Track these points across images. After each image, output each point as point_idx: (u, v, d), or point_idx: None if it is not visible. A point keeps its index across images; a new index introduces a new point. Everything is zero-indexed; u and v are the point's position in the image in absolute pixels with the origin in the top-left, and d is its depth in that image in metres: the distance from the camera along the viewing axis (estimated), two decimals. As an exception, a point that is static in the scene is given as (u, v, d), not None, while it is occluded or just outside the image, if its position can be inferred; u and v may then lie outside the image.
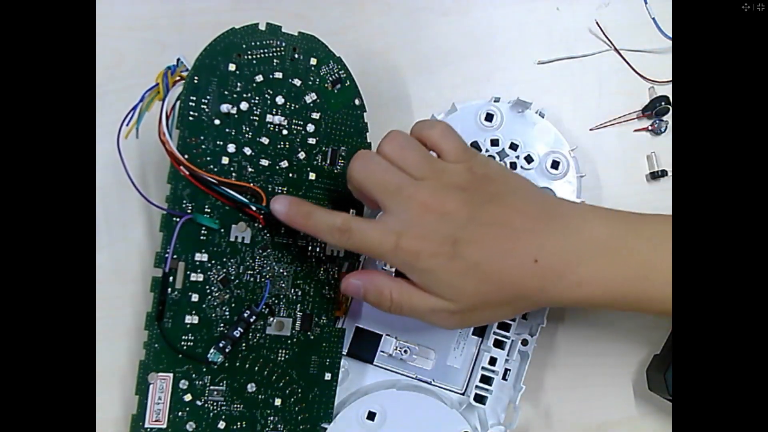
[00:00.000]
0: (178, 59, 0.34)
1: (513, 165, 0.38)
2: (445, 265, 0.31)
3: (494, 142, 0.38)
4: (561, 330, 0.41)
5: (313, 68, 0.36)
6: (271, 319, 0.36)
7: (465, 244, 0.31)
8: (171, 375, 0.34)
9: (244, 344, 0.35)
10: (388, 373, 0.39)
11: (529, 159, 0.38)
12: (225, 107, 0.34)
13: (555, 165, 0.38)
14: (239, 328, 0.35)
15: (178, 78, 0.34)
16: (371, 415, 0.37)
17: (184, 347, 0.34)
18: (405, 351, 0.38)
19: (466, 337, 0.39)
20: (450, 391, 0.39)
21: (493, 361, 0.37)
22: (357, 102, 0.37)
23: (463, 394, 0.39)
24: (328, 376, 0.37)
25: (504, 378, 0.38)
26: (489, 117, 0.38)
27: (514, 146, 0.38)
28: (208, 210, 0.34)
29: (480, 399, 0.37)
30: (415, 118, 0.40)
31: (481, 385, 0.37)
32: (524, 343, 0.38)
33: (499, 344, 0.37)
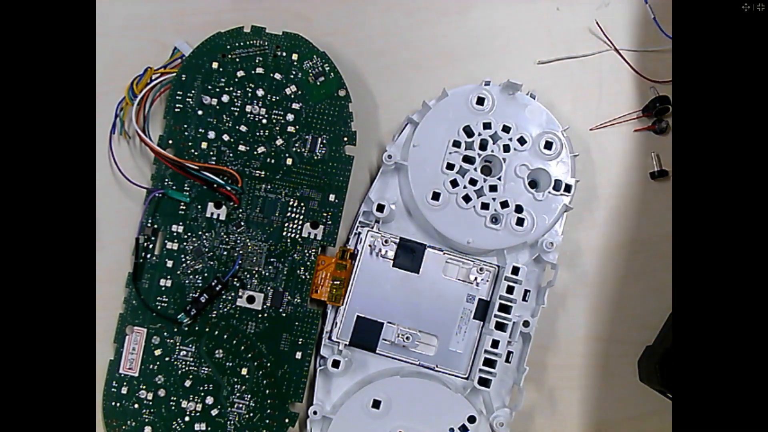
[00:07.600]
0: (147, 68, 0.39)
1: (506, 147, 0.38)
2: None
3: (486, 126, 0.38)
4: (561, 313, 0.41)
5: (294, 63, 0.39)
6: (242, 291, 0.38)
7: None
8: (145, 330, 0.38)
9: (214, 312, 0.38)
10: (391, 360, 0.38)
11: (522, 141, 0.38)
12: (207, 99, 0.39)
13: (548, 145, 0.38)
14: (206, 295, 0.37)
15: (160, 73, 0.39)
16: (376, 404, 0.37)
17: (158, 307, 0.38)
18: (407, 338, 0.38)
19: (468, 321, 0.39)
20: (454, 376, 0.39)
21: (495, 344, 0.37)
22: (341, 93, 0.39)
23: (467, 378, 0.38)
24: (299, 355, 0.38)
25: (507, 360, 0.38)
26: (480, 101, 0.38)
27: (506, 129, 0.38)
28: (188, 188, 0.38)
29: (484, 382, 0.37)
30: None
31: (485, 368, 0.37)
32: (525, 324, 0.38)
33: (500, 327, 0.37)
